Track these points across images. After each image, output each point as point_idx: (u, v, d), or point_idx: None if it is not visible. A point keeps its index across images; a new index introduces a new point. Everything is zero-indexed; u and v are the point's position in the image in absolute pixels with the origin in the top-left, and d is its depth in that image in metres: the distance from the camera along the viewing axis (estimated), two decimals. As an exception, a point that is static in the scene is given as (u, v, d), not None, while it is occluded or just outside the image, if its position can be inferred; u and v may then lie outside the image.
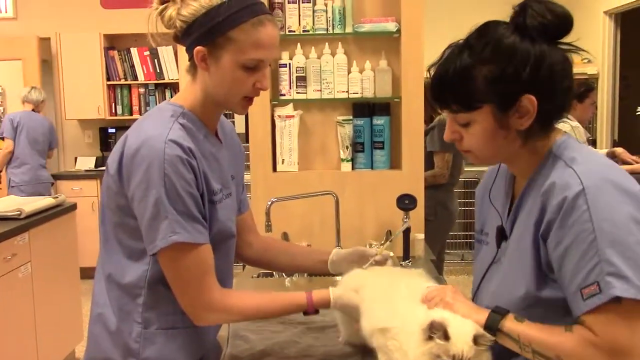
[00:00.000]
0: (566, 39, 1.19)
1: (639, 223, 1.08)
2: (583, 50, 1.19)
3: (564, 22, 1.16)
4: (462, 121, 1.20)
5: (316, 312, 1.46)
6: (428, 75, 1.23)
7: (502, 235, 1.31)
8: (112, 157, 1.35)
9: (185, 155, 1.30)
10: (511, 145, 1.21)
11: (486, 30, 1.18)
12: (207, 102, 1.40)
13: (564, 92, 1.18)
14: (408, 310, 1.26)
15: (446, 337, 1.13)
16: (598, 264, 1.05)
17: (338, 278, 1.58)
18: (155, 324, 1.38)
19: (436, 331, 1.13)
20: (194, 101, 1.40)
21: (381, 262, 1.62)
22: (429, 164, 3.66)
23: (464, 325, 1.15)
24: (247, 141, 2.76)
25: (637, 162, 4.18)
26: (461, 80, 1.17)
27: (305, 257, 1.73)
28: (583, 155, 1.18)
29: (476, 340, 1.13)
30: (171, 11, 1.35)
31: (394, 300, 1.33)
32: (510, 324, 1.15)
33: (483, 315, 1.17)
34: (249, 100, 1.40)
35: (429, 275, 1.50)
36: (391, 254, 1.72)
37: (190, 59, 1.38)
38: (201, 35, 1.33)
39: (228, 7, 1.31)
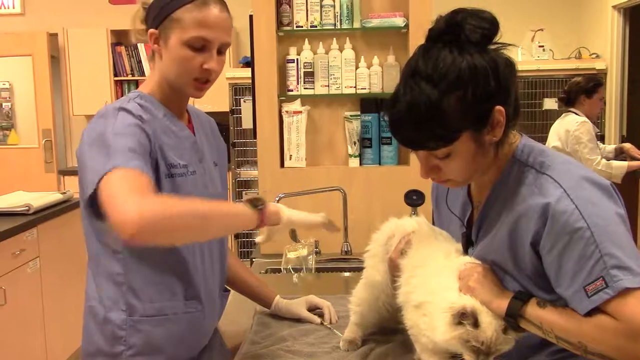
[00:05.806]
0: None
1: (620, 215, 1.10)
2: (513, 45, 1.18)
3: (496, 25, 1.15)
4: (442, 155, 1.17)
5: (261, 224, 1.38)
6: (386, 120, 1.19)
7: (468, 242, 1.32)
8: None
9: (135, 120, 1.33)
10: (488, 159, 1.21)
11: (435, 59, 1.13)
12: (163, 86, 1.44)
13: (517, 90, 1.18)
14: (443, 286, 1.23)
15: (476, 324, 1.14)
16: (600, 259, 1.05)
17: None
18: (139, 311, 1.40)
19: (467, 319, 1.14)
20: (153, 86, 1.45)
21: (332, 316, 1.71)
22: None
23: (495, 315, 1.16)
24: (254, 137, 2.75)
25: (645, 158, 4.16)
26: (434, 117, 1.12)
27: (253, 288, 1.77)
28: (550, 158, 1.19)
29: (505, 330, 1.15)
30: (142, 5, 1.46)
31: (430, 270, 1.29)
32: (532, 310, 1.14)
33: (504, 301, 1.16)
34: (200, 82, 1.42)
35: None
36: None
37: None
38: (154, 18, 1.40)
39: None
